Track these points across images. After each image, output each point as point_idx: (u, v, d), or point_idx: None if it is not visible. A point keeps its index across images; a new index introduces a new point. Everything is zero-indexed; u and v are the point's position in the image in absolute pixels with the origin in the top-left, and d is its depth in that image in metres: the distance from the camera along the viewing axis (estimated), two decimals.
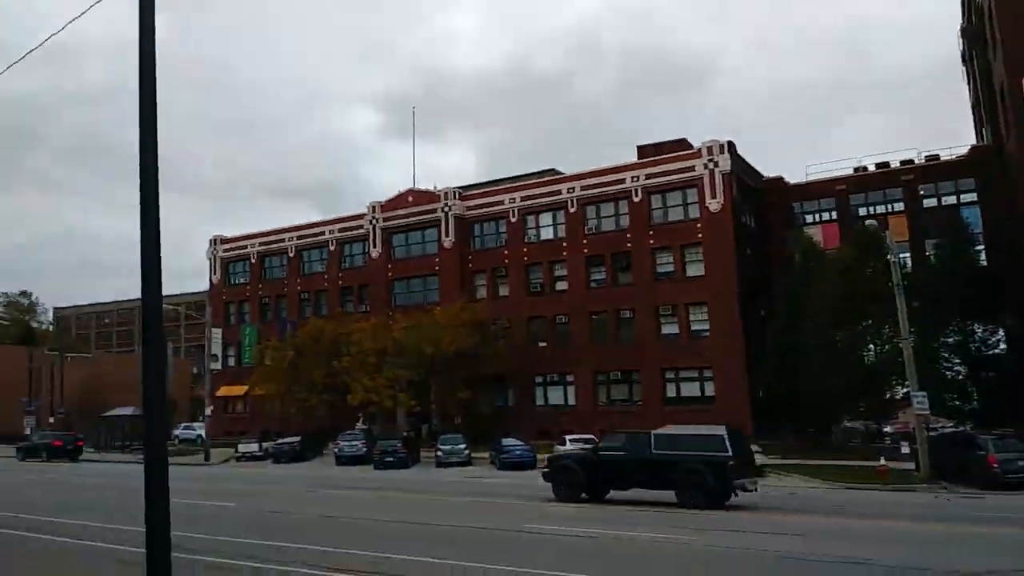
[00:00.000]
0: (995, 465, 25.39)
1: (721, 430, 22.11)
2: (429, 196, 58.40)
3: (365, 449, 42.46)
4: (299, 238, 65.34)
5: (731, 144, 48.19)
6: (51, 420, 64.29)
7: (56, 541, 15.90)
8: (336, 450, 43.79)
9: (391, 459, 39.67)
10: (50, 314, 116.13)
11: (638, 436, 23.64)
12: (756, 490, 22.20)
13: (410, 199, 59.36)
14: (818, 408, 37.80)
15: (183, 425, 65.76)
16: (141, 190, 8.33)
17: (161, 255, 8.23)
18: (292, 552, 14.00)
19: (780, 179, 53.58)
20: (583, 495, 23.27)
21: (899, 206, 49.01)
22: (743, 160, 50.72)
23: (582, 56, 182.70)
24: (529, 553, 14.14)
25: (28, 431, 57.50)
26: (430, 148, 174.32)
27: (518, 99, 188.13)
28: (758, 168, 53.75)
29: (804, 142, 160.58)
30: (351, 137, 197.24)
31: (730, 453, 21.01)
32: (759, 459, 31.87)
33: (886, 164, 50.70)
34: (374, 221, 59.99)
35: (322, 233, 64.20)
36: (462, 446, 40.36)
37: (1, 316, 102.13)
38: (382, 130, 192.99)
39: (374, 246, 59.89)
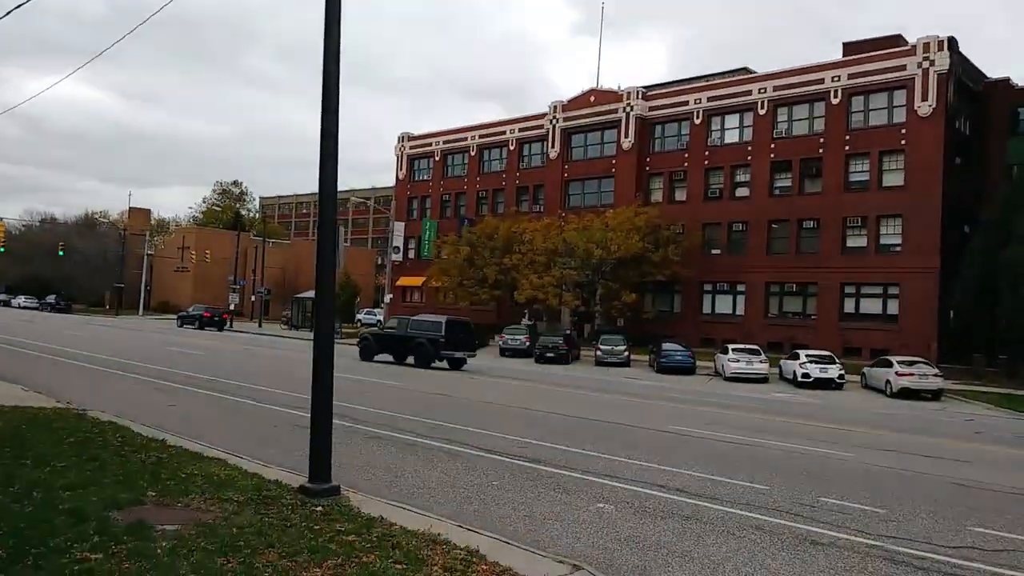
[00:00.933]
0: None
1: (442, 319, 32.42)
2: (612, 96, 56.79)
3: (527, 343, 43.38)
4: (481, 137, 66.21)
5: (952, 40, 42.71)
6: (252, 299, 70.71)
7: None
8: (500, 342, 45.07)
9: (551, 354, 40.33)
10: (257, 202, 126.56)
11: (402, 320, 34.39)
12: (465, 359, 32.52)
13: (592, 99, 58.04)
14: (1019, 334, 33.81)
15: (365, 310, 70.35)
16: (323, 92, 9.03)
17: (338, 149, 9.31)
18: (444, 430, 14.80)
19: (1006, 81, 47.04)
20: (377, 357, 33.10)
21: None
22: (965, 59, 44.90)
23: None
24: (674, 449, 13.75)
25: (232, 306, 63.75)
26: (620, 45, 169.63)
27: None
28: (983, 68, 47.47)
29: None
30: (542, 35, 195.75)
31: (443, 335, 30.79)
32: (940, 383, 29.46)
33: None
34: (554, 121, 59.41)
35: (503, 132, 64.64)
36: (622, 347, 40.14)
37: (215, 203, 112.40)
38: (574, 26, 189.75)
39: (552, 146, 59.50)
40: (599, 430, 16.28)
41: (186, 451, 10.71)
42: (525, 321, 50.83)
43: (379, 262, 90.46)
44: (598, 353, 40.34)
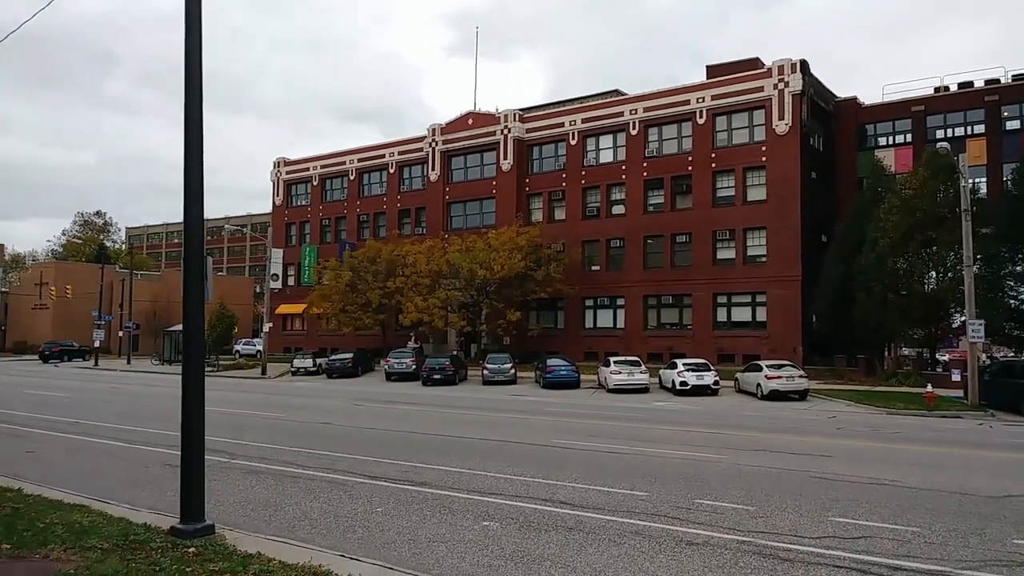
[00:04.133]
0: None
1: None
2: (489, 118, 57.48)
3: (414, 366, 43.11)
4: (360, 160, 65.54)
5: (803, 63, 45.67)
6: (120, 334, 67.04)
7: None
8: (386, 367, 44.56)
9: (438, 376, 40.23)
10: (123, 233, 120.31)
11: None
12: None
13: (470, 121, 58.55)
14: (873, 335, 36.32)
15: (243, 341, 67.81)
16: (185, 110, 8.77)
17: (203, 174, 8.94)
18: (327, 459, 14.52)
19: (854, 100, 50.72)
20: None
21: (980, 128, 45.66)
22: (816, 80, 48.10)
23: None
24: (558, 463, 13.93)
25: (97, 344, 60.23)
26: (496, 67, 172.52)
27: (588, 16, 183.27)
28: (835, 87, 51.32)
29: (892, 59, 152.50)
30: (416, 56, 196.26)
31: None
32: (806, 384, 31.18)
33: (969, 84, 47.14)
34: (433, 144, 59.54)
35: (382, 156, 64.23)
36: (508, 365, 40.48)
37: (76, 235, 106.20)
38: (450, 49, 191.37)
39: (432, 169, 59.57)
40: (485, 449, 16.35)
41: (45, 499, 10.10)
42: (411, 344, 50.41)
43: (258, 290, 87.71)
44: (485, 372, 40.51)
